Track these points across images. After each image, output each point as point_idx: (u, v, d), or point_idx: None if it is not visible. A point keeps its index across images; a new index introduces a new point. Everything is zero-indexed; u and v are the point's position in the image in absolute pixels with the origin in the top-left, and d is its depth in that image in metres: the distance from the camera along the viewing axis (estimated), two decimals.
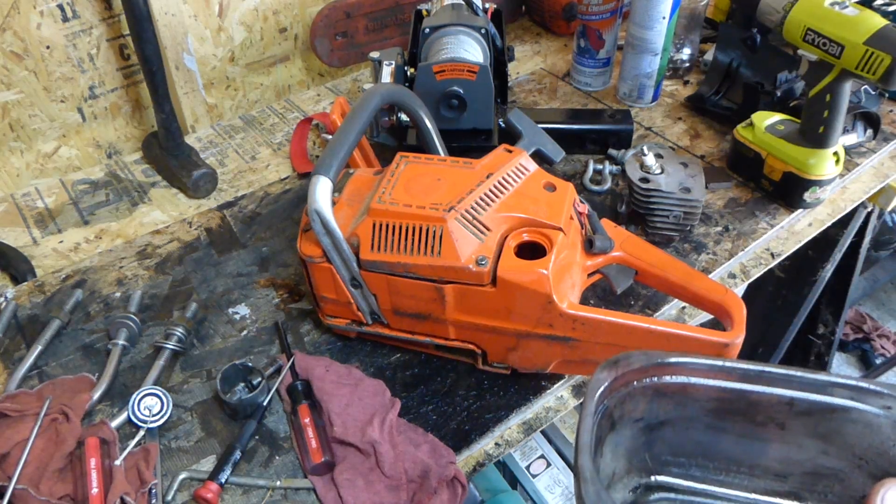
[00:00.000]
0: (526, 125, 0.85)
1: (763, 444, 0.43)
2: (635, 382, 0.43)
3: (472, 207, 0.71)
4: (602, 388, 0.41)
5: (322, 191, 0.71)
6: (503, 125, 0.96)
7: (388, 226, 0.72)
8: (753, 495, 0.43)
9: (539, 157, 0.92)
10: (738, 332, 0.67)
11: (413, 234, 0.71)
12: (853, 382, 0.39)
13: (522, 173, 0.76)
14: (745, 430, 0.44)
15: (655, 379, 0.43)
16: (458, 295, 0.72)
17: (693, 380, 0.42)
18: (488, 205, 0.72)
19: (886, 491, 0.32)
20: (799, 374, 0.40)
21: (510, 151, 0.78)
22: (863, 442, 0.40)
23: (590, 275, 0.77)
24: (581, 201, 0.77)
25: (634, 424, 0.45)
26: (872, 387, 0.38)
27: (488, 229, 0.71)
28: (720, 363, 0.41)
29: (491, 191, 0.73)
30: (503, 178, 0.74)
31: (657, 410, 0.44)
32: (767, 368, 0.40)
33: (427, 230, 0.70)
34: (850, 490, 0.36)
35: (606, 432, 0.43)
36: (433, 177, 0.75)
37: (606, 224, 0.78)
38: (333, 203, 0.73)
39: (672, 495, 0.44)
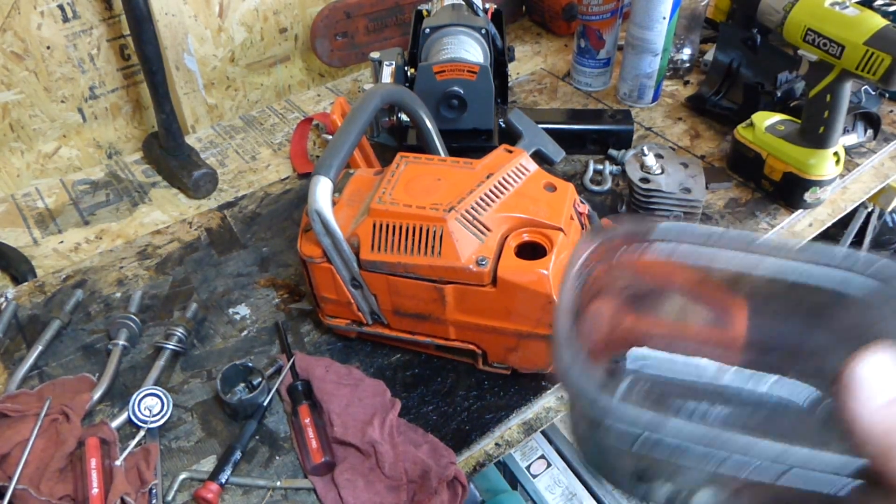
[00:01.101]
0: (526, 125, 0.85)
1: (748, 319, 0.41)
2: (622, 249, 0.39)
3: (473, 208, 0.71)
4: (588, 252, 0.38)
5: (322, 191, 0.71)
6: (503, 125, 0.96)
7: (388, 226, 0.72)
8: (732, 366, 0.41)
9: (539, 157, 0.91)
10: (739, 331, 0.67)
11: (413, 235, 0.71)
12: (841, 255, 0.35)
13: (523, 173, 0.75)
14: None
15: (645, 245, 0.39)
16: (458, 295, 0.72)
17: (682, 248, 0.38)
18: (488, 205, 0.72)
19: (870, 354, 0.28)
20: (792, 244, 0.36)
21: (510, 152, 0.78)
22: (850, 320, 0.37)
23: None
24: (581, 202, 0.77)
25: (618, 295, 0.42)
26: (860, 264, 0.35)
27: (488, 229, 0.71)
28: (711, 232, 0.38)
29: (491, 191, 0.73)
30: (503, 179, 0.74)
31: (643, 279, 0.41)
32: (761, 240, 0.37)
33: (427, 230, 0.70)
34: (832, 365, 0.32)
35: (588, 301, 0.40)
36: (433, 177, 0.75)
37: (606, 225, 0.78)
38: (334, 203, 0.73)
39: (648, 362, 0.41)
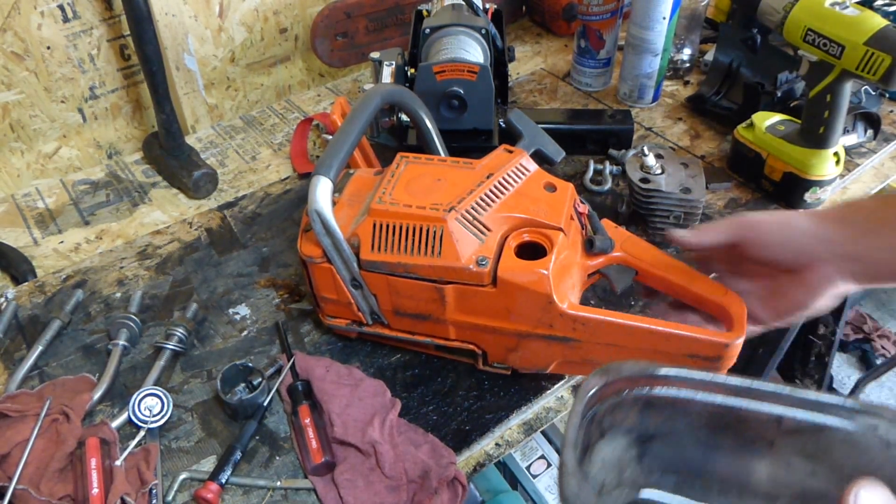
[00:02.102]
0: (526, 125, 0.85)
1: (752, 464, 0.43)
2: (626, 391, 0.42)
3: (473, 208, 0.71)
4: (592, 392, 0.40)
5: (322, 191, 0.71)
6: (503, 125, 0.96)
7: (388, 226, 0.71)
8: None
9: (539, 157, 0.91)
10: (738, 333, 0.67)
11: (413, 235, 0.71)
12: (840, 402, 0.39)
13: (523, 173, 0.75)
14: (734, 447, 0.43)
15: (647, 389, 0.42)
16: (458, 295, 0.72)
17: (683, 392, 0.41)
18: (489, 205, 0.72)
19: (859, 490, 0.32)
20: (787, 391, 0.39)
21: (510, 152, 0.77)
22: (850, 462, 0.39)
23: (590, 275, 0.77)
24: (581, 201, 0.77)
25: (625, 435, 0.44)
26: (859, 406, 0.39)
27: (488, 229, 0.71)
28: (709, 378, 0.41)
29: (491, 191, 0.72)
30: (503, 179, 0.74)
31: (648, 422, 0.43)
32: (756, 385, 0.40)
33: (427, 230, 0.70)
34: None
35: (596, 439, 0.42)
36: (433, 177, 0.75)
37: (607, 224, 0.78)
38: (334, 203, 0.73)
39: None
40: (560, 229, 0.70)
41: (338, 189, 0.79)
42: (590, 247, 0.74)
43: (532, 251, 0.70)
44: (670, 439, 0.44)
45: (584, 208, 0.76)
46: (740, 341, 0.67)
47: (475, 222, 0.71)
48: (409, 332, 0.79)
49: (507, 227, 0.72)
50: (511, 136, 0.93)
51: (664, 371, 0.41)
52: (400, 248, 0.71)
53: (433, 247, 0.70)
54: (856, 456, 0.39)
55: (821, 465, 0.40)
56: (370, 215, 0.72)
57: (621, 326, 0.69)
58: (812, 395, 0.39)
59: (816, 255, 0.63)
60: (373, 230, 0.72)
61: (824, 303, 0.65)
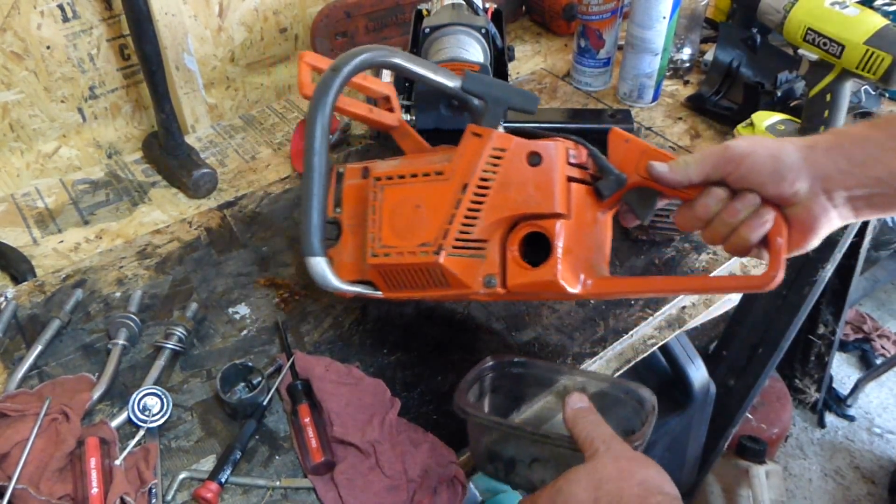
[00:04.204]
0: (486, 87, 0.71)
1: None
2: (491, 369, 0.74)
3: (460, 232, 0.67)
4: (481, 368, 0.73)
5: (324, 271, 0.72)
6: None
7: (392, 272, 0.71)
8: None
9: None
10: (773, 271, 0.61)
11: (417, 275, 0.70)
12: (611, 378, 0.73)
13: (499, 159, 0.67)
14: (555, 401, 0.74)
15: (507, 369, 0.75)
16: (484, 299, 0.72)
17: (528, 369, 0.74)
18: (475, 218, 0.67)
19: (571, 396, 0.63)
20: (586, 372, 0.77)
21: (478, 135, 0.68)
22: (618, 414, 0.66)
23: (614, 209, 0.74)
24: (576, 145, 0.68)
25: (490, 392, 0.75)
26: (621, 384, 0.70)
27: (484, 241, 0.68)
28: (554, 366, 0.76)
29: (472, 202, 0.67)
30: (481, 180, 0.67)
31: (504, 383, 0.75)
32: (565, 367, 0.80)
33: (427, 271, 0.69)
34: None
35: (483, 393, 0.74)
36: (412, 204, 0.70)
37: (616, 138, 0.68)
38: (338, 227, 0.75)
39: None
40: (556, 215, 0.65)
41: (337, 202, 0.78)
42: (599, 195, 0.69)
43: (536, 241, 0.67)
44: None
45: (582, 154, 0.69)
46: (777, 283, 0.62)
47: (468, 244, 0.67)
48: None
49: (502, 228, 0.68)
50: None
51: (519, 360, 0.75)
52: (412, 285, 0.71)
53: (439, 281, 0.69)
54: (622, 412, 0.67)
55: (606, 414, 0.62)
56: (371, 269, 0.72)
57: (645, 288, 0.70)
58: (600, 374, 0.75)
59: (811, 190, 0.60)
60: (381, 277, 0.73)
61: (821, 239, 0.63)
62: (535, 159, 0.66)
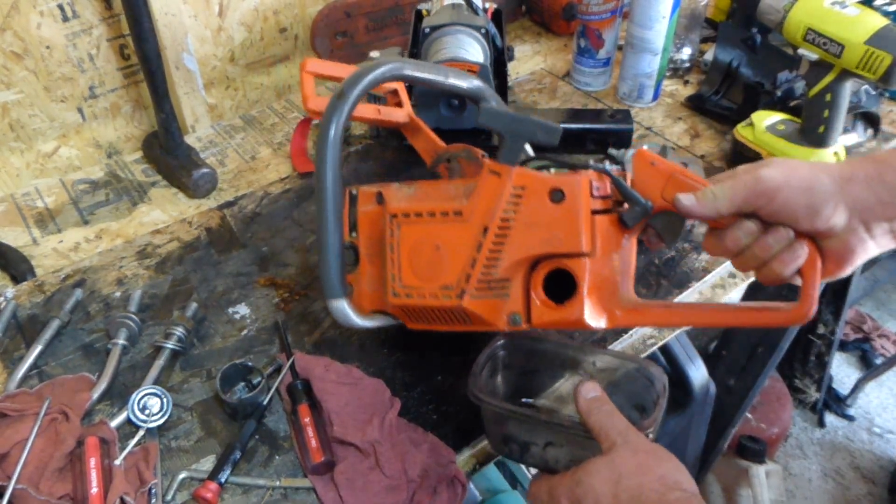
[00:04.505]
0: (504, 122, 0.66)
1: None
2: (503, 346, 0.73)
3: (482, 275, 0.65)
4: (494, 346, 0.73)
5: (347, 313, 0.71)
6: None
7: (415, 311, 0.71)
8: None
9: (535, 148, 0.86)
10: (805, 307, 0.60)
11: (441, 314, 0.69)
12: (626, 355, 0.73)
13: (519, 198, 0.64)
14: (569, 376, 0.74)
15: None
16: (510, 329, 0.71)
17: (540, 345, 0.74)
18: (497, 260, 0.65)
19: (582, 384, 0.64)
20: (599, 349, 0.75)
21: (497, 174, 0.65)
22: (630, 388, 0.69)
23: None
24: (599, 175, 0.64)
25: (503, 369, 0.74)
26: (635, 359, 0.71)
27: (507, 280, 0.65)
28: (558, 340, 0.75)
29: (493, 244, 0.64)
30: (502, 221, 0.64)
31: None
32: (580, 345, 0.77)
33: (451, 311, 0.68)
34: (622, 412, 0.63)
35: (495, 371, 0.74)
36: (431, 244, 0.68)
37: (641, 161, 0.64)
38: (355, 250, 0.75)
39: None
40: (582, 254, 0.63)
41: (352, 226, 0.76)
42: (624, 225, 0.65)
43: (560, 278, 0.65)
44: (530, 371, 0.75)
45: (605, 184, 0.65)
46: (809, 317, 0.60)
47: (490, 285, 0.66)
48: None
49: (525, 266, 0.65)
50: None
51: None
52: (436, 321, 0.70)
53: (463, 319, 0.68)
54: (631, 386, 0.69)
55: (616, 389, 0.68)
56: (394, 307, 0.71)
57: (674, 320, 0.68)
58: (612, 351, 0.75)
59: (848, 223, 0.58)
60: (404, 313, 0.72)
61: (856, 267, 0.61)
62: (557, 196, 0.63)
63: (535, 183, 0.63)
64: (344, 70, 0.93)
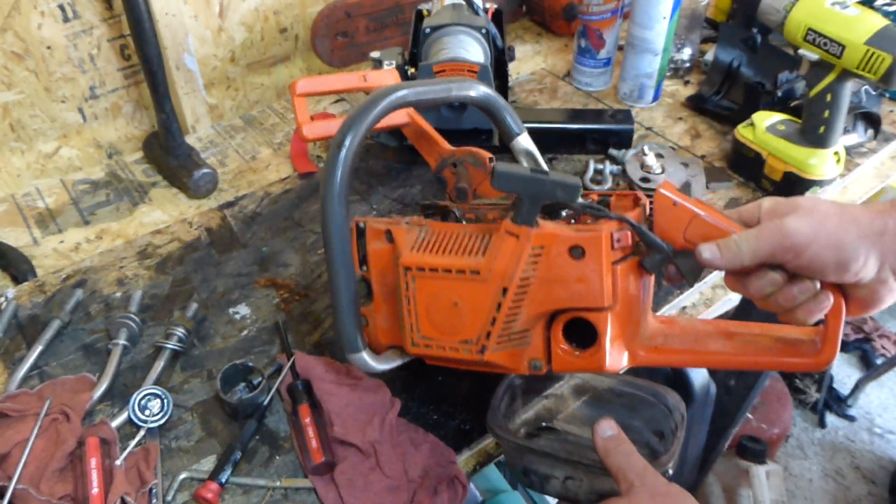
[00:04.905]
0: (521, 185, 0.61)
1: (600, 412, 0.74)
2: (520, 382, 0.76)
3: (502, 330, 0.65)
4: (510, 380, 0.75)
5: (367, 362, 0.71)
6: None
7: (436, 357, 0.70)
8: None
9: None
10: (828, 355, 0.60)
11: (462, 362, 0.69)
12: (644, 384, 0.73)
13: (539, 257, 0.62)
14: (589, 401, 0.77)
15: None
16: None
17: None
18: (516, 315, 0.64)
19: (600, 422, 0.64)
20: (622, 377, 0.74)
21: (515, 236, 0.62)
22: (647, 414, 0.72)
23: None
24: (619, 225, 0.63)
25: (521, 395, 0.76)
26: (653, 387, 0.73)
27: (527, 330, 0.65)
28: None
29: (513, 301, 0.64)
30: (521, 281, 0.63)
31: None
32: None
33: (472, 362, 0.68)
34: (641, 437, 0.70)
35: (515, 402, 0.75)
36: (449, 300, 0.66)
37: (664, 203, 0.62)
38: (368, 283, 0.74)
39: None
40: (604, 309, 0.62)
41: (362, 260, 0.74)
42: (645, 270, 0.65)
43: (581, 327, 0.64)
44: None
45: (626, 237, 0.63)
46: (831, 363, 0.61)
47: (510, 337, 0.65)
48: None
49: (544, 319, 0.65)
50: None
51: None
52: (456, 365, 0.70)
53: (484, 366, 0.68)
54: (649, 412, 0.72)
55: (634, 414, 0.72)
56: (413, 353, 0.71)
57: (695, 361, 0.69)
58: (630, 378, 0.73)
59: (878, 275, 0.56)
60: (423, 357, 0.71)
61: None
62: (577, 252, 0.61)
63: (554, 241, 0.62)
64: (338, 81, 0.91)
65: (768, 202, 0.61)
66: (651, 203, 0.64)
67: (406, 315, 0.69)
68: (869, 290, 0.58)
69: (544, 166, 0.80)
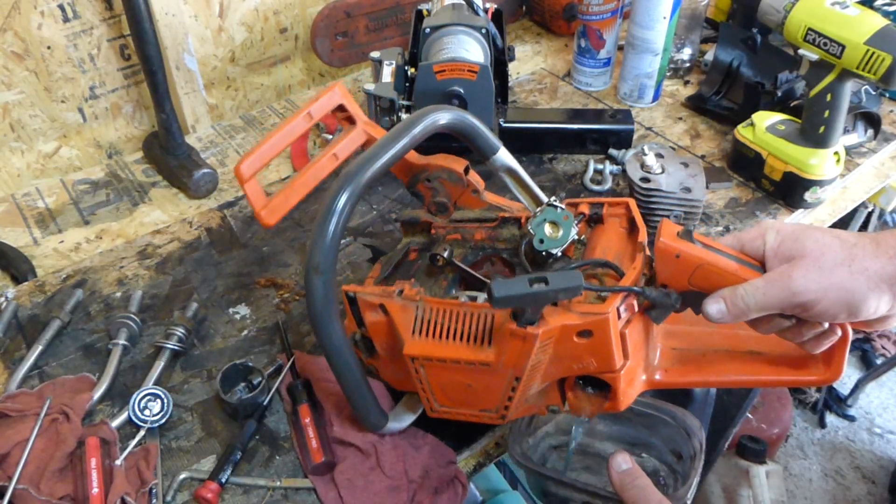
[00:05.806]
0: (523, 301, 0.58)
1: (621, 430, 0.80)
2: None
3: (519, 399, 0.66)
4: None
5: (393, 428, 0.73)
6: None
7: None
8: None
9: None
10: (834, 372, 0.62)
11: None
12: (662, 405, 0.76)
13: (547, 346, 0.62)
14: (611, 420, 0.81)
15: None
16: None
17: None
18: (531, 387, 0.65)
19: (615, 455, 0.65)
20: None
21: (521, 338, 0.60)
22: (665, 434, 0.76)
23: None
24: (624, 295, 0.62)
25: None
26: (669, 408, 0.76)
27: (543, 390, 0.67)
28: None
29: (527, 381, 0.64)
30: (532, 368, 0.62)
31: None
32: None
33: (494, 423, 0.70)
34: (660, 455, 0.76)
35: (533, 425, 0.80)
36: (462, 383, 0.66)
37: (666, 256, 0.61)
38: (369, 340, 0.72)
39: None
40: (616, 371, 0.63)
41: (359, 322, 0.72)
42: (654, 319, 0.65)
43: (593, 379, 0.66)
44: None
45: (633, 305, 0.63)
46: (837, 379, 0.63)
47: (528, 400, 0.68)
48: None
49: (557, 381, 0.67)
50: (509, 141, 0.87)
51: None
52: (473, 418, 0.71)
53: (504, 418, 0.69)
54: (668, 432, 0.76)
55: (653, 432, 0.76)
56: (435, 417, 0.71)
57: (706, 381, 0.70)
58: (650, 400, 0.76)
59: (890, 310, 0.56)
60: (446, 418, 0.71)
61: None
62: (586, 334, 0.61)
63: (562, 331, 0.61)
64: (281, 140, 0.78)
65: (773, 238, 0.59)
66: (652, 234, 0.64)
67: (421, 391, 0.69)
68: (880, 322, 0.59)
69: (528, 181, 0.76)
